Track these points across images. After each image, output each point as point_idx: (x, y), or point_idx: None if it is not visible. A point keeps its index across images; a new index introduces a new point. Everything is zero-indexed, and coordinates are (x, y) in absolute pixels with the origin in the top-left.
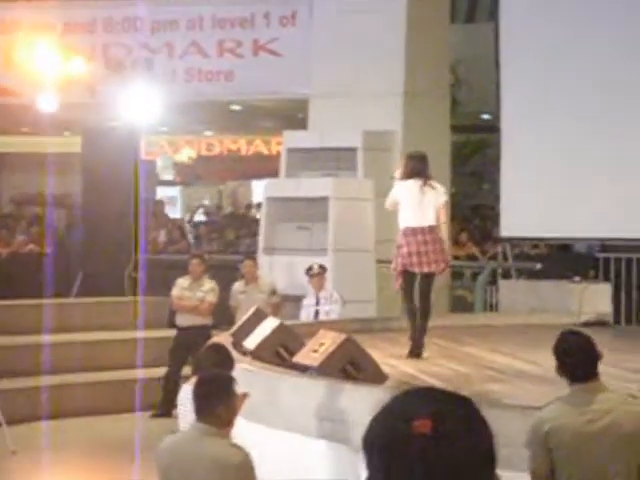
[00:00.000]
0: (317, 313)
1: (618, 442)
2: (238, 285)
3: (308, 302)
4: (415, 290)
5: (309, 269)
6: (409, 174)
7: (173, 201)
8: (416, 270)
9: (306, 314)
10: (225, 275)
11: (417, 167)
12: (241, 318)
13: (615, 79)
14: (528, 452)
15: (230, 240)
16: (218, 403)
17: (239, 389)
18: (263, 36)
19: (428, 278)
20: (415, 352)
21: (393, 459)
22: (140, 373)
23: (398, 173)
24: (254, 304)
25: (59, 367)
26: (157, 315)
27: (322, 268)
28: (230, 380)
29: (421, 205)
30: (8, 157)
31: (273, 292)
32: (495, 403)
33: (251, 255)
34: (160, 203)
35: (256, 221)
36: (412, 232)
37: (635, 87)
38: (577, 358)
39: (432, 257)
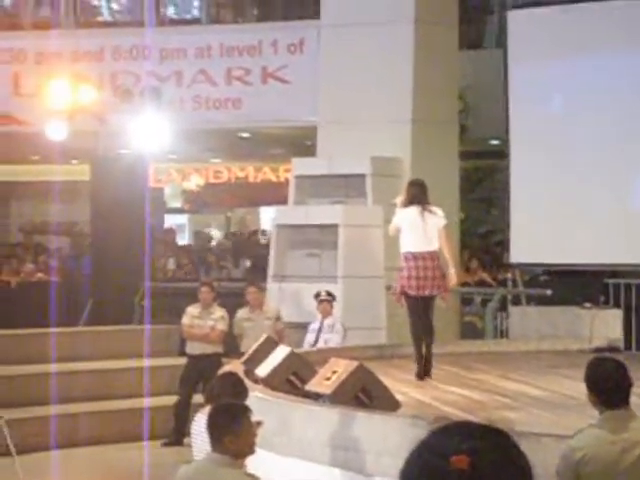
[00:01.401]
0: (317, 340)
1: None
2: (242, 312)
3: (313, 327)
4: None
5: (317, 295)
6: (410, 201)
7: (181, 228)
8: (413, 293)
9: (308, 338)
10: (233, 302)
11: (417, 194)
12: (247, 345)
13: (627, 105)
14: None
15: (241, 268)
16: (232, 434)
17: (253, 418)
18: (271, 64)
19: (427, 300)
20: (422, 373)
21: None
22: (150, 402)
23: (399, 200)
24: (261, 331)
25: (68, 396)
26: (167, 343)
27: (330, 295)
28: (244, 410)
29: (424, 231)
30: (17, 186)
31: (278, 318)
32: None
33: (254, 282)
34: (171, 232)
35: (262, 246)
36: (413, 257)
37: None
38: (609, 385)
39: (430, 282)
